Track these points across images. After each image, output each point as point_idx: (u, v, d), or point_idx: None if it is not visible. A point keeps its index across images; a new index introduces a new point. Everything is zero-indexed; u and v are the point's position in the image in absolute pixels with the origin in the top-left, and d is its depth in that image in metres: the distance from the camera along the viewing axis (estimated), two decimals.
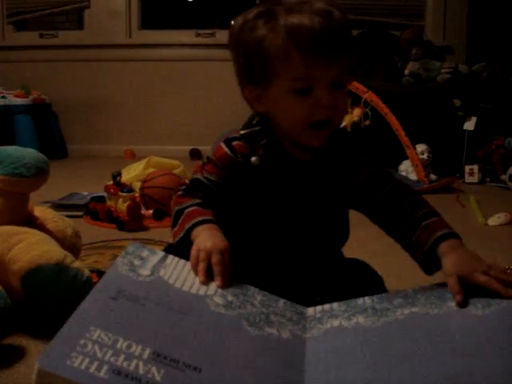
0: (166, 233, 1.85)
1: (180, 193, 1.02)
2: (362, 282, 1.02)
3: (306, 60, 0.90)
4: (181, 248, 0.94)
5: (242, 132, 1.03)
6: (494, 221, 2.13)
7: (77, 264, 1.13)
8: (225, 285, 0.86)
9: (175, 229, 0.98)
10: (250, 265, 0.99)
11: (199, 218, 0.95)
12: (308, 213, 1.02)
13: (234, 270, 0.89)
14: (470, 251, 0.88)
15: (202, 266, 0.87)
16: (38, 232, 1.21)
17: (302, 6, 0.91)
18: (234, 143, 1.02)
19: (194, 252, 0.89)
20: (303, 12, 0.90)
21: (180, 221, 0.97)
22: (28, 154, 1.26)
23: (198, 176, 1.03)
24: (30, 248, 1.11)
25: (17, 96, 3.92)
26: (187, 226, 0.94)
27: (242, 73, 1.01)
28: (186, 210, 0.97)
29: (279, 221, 1.02)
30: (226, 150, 1.01)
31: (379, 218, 1.00)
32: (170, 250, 0.97)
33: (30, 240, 1.15)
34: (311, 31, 0.89)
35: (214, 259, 0.87)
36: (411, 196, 0.97)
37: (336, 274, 1.03)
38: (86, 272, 1.14)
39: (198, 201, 0.99)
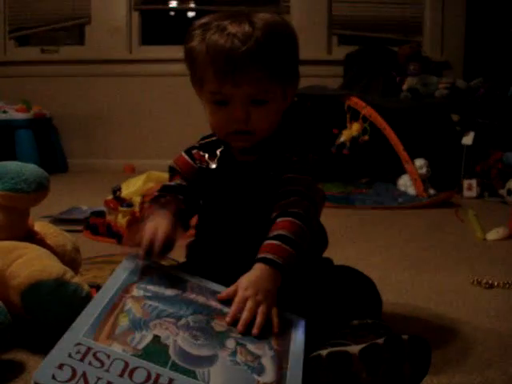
0: None
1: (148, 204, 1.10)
2: (355, 286, 1.05)
3: (218, 78, 1.00)
4: None
5: (200, 142, 1.16)
6: (492, 235, 2.14)
7: (76, 279, 1.14)
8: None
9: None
10: (216, 256, 1.10)
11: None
12: (255, 210, 1.08)
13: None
14: (261, 279, 0.92)
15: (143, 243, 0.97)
16: (37, 247, 1.21)
17: (229, 26, 0.99)
18: (194, 151, 1.15)
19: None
20: (226, 31, 0.98)
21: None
22: (28, 169, 1.25)
23: (165, 182, 1.17)
24: (29, 263, 1.12)
25: (18, 111, 3.93)
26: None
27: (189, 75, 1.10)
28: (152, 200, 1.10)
29: (233, 219, 1.10)
30: (186, 157, 1.14)
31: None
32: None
33: (30, 255, 1.15)
34: (222, 52, 0.97)
35: (155, 247, 0.96)
36: (290, 215, 0.99)
37: (326, 280, 1.05)
38: (86, 287, 1.14)
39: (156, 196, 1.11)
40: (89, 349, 0.77)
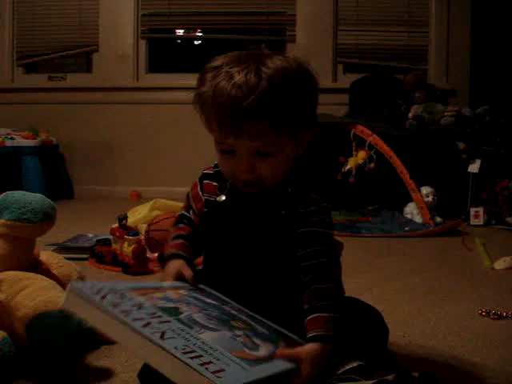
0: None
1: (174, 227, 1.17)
2: (361, 317, 1.04)
3: (220, 130, 0.98)
4: None
5: (215, 169, 1.13)
6: (500, 264, 2.12)
7: None
8: None
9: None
10: (222, 288, 1.07)
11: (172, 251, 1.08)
12: (262, 245, 1.07)
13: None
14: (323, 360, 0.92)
15: None
16: (43, 278, 1.21)
17: (236, 75, 0.95)
18: (205, 182, 1.13)
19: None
20: (232, 80, 0.95)
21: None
22: (35, 199, 1.26)
23: (183, 211, 1.17)
24: (35, 294, 1.11)
25: (25, 137, 3.96)
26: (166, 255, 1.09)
27: None
28: (170, 243, 1.12)
29: (240, 253, 1.08)
30: (198, 189, 1.14)
31: (293, 276, 1.03)
32: None
33: (35, 286, 1.15)
34: (226, 103, 0.95)
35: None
36: (326, 282, 1.00)
37: None
38: None
39: (178, 233, 1.13)
40: (123, 294, 0.86)
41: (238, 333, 0.89)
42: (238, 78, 0.94)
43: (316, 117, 1.07)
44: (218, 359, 0.78)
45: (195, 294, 1.00)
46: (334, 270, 1.03)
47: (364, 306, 1.09)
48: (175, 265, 1.05)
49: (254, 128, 0.96)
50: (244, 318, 0.97)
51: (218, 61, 1.01)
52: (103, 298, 0.82)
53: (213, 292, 1.06)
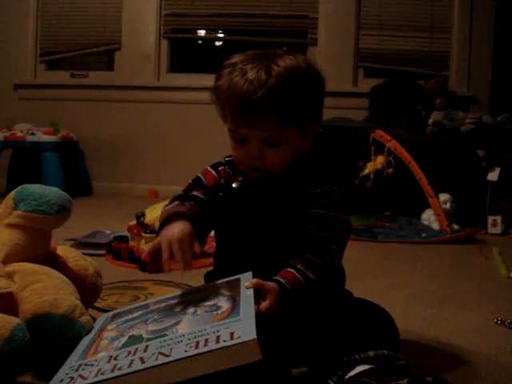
0: (187, 275, 1.85)
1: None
2: (371, 318, 1.04)
3: (232, 120, 1.09)
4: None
5: (226, 159, 1.23)
6: None
7: (84, 318, 1.11)
8: (186, 267, 1.03)
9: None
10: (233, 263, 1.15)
11: (171, 212, 1.10)
12: (274, 233, 1.13)
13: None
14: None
15: (164, 257, 1.04)
16: (57, 275, 1.20)
17: (249, 71, 1.06)
18: (220, 168, 1.22)
19: (156, 242, 1.07)
20: (245, 76, 1.05)
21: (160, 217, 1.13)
22: (51, 192, 1.28)
23: (200, 175, 1.24)
24: (43, 291, 1.11)
25: (45, 133, 4.00)
26: (161, 221, 1.11)
27: None
28: (166, 208, 1.14)
29: (252, 243, 1.14)
30: (214, 172, 1.22)
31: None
32: None
33: (46, 283, 1.14)
34: (239, 96, 1.05)
35: (174, 248, 1.03)
36: (319, 257, 1.08)
37: (344, 311, 1.06)
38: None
39: (180, 194, 1.18)
40: (80, 364, 0.93)
41: (191, 311, 0.99)
42: (251, 74, 1.05)
43: (322, 111, 1.16)
44: (215, 332, 0.85)
45: (123, 321, 1.09)
46: (332, 253, 1.10)
47: (375, 308, 1.09)
48: (183, 228, 1.06)
49: (263, 120, 1.06)
50: (180, 300, 1.08)
51: (235, 58, 1.11)
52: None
53: (128, 308, 1.17)
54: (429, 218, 3.05)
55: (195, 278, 1.27)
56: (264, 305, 0.97)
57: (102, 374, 0.85)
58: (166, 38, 4.51)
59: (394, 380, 0.86)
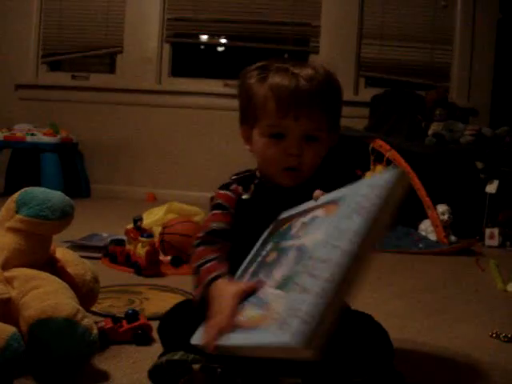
0: (183, 280, 1.86)
1: (200, 247, 1.08)
2: (366, 332, 1.04)
3: (279, 110, 1.07)
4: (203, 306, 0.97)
5: (233, 177, 1.19)
6: None
7: (86, 322, 1.10)
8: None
9: (196, 289, 1.03)
10: None
11: (214, 274, 1.00)
12: None
13: None
14: None
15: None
16: (56, 280, 1.20)
17: (291, 68, 1.08)
18: (232, 187, 1.16)
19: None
20: (289, 72, 1.07)
21: (198, 279, 1.03)
22: (54, 196, 1.27)
23: (213, 225, 1.12)
24: (44, 296, 1.10)
25: (45, 134, 3.99)
26: (204, 284, 0.99)
27: (240, 113, 1.19)
28: (202, 268, 1.03)
29: None
30: (227, 192, 1.16)
31: None
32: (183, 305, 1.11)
33: (47, 288, 1.14)
34: (288, 88, 1.06)
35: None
36: None
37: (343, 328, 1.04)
38: (95, 331, 1.11)
39: (214, 255, 1.05)
40: None
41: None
42: (294, 69, 1.08)
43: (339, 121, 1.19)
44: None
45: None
46: None
47: (369, 321, 1.08)
48: (228, 288, 0.94)
49: (312, 111, 1.07)
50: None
51: (259, 64, 1.14)
52: None
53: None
54: (426, 228, 3.05)
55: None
56: None
57: None
58: (168, 42, 4.51)
59: None
